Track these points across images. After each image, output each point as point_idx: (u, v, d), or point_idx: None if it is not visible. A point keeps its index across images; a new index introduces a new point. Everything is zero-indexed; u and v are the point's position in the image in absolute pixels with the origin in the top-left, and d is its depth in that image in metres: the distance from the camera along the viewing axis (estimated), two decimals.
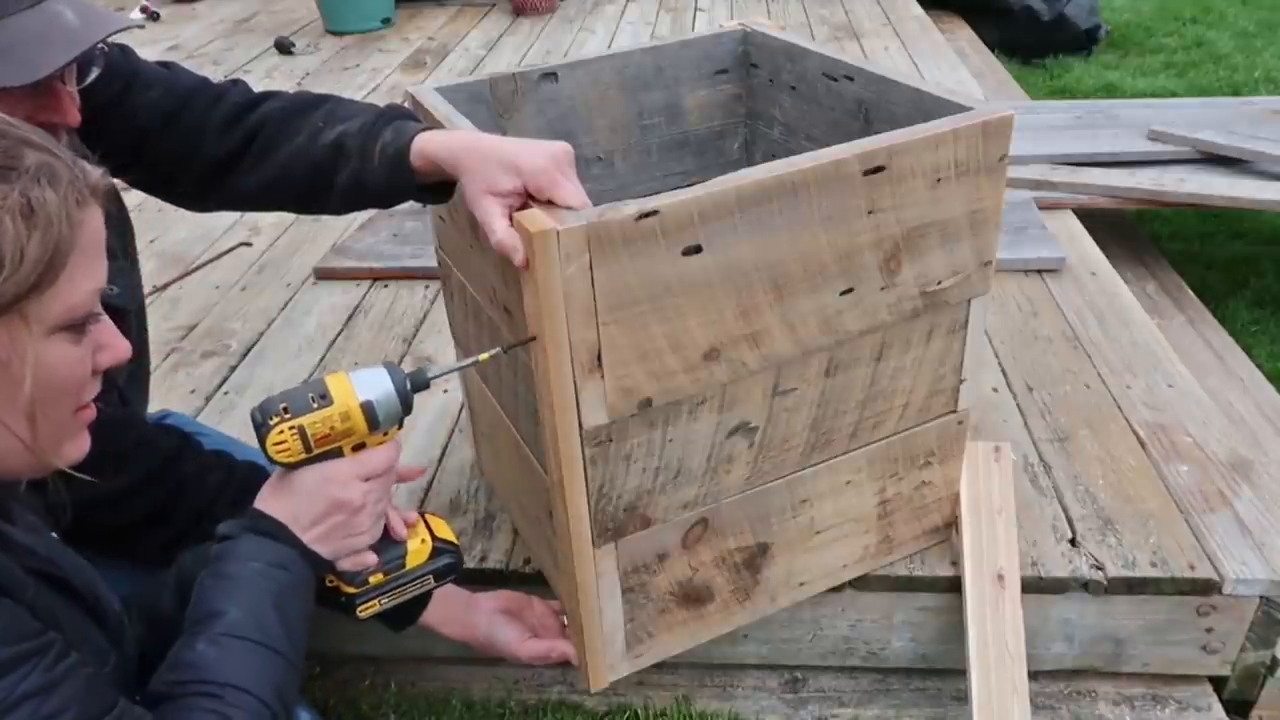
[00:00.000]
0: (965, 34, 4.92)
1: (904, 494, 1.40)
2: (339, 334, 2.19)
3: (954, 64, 3.86)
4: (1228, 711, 1.51)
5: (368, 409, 0.95)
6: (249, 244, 2.62)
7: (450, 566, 1.11)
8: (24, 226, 0.69)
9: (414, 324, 2.21)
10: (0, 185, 0.69)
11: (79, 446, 0.82)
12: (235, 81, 1.24)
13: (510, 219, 0.98)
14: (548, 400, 1.04)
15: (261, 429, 0.93)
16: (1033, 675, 1.43)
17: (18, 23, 0.95)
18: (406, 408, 0.98)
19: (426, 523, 1.11)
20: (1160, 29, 5.62)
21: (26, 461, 0.78)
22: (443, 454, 1.78)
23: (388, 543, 1.05)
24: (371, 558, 1.03)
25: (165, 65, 1.23)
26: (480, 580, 1.46)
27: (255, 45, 4.65)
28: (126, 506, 1.13)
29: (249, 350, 2.14)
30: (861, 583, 1.47)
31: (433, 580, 1.10)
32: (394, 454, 1.01)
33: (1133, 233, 3.10)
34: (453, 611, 1.28)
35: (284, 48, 4.48)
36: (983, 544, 1.43)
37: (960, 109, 1.15)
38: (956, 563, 1.46)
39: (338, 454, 0.97)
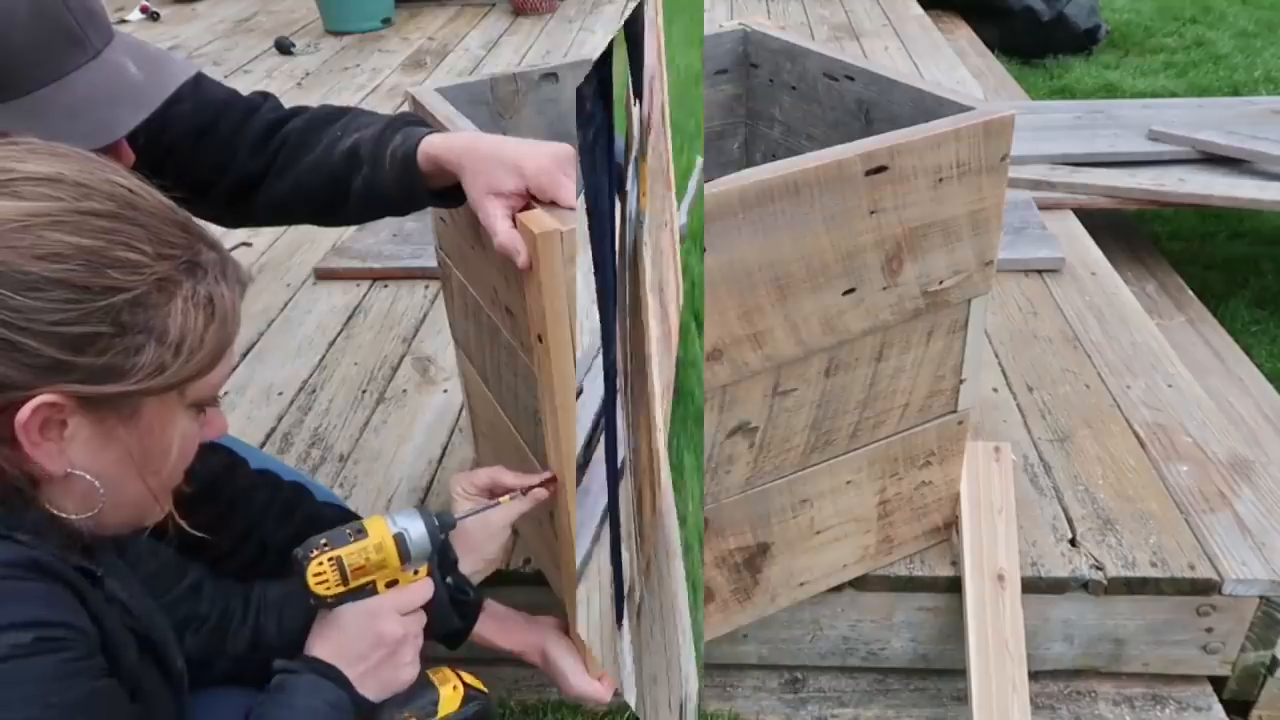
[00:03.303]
0: (965, 34, 4.91)
1: (904, 494, 1.40)
2: (339, 334, 2.19)
3: (954, 64, 3.86)
4: (1228, 711, 1.51)
5: (399, 540, 1.02)
6: (249, 244, 2.62)
7: (481, 714, 1.12)
8: (204, 320, 0.77)
9: (414, 324, 2.21)
10: (189, 280, 0.76)
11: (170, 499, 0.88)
12: (265, 95, 1.21)
13: (513, 220, 0.98)
14: (550, 401, 1.04)
15: (302, 562, 1.00)
16: (1033, 675, 1.43)
17: (82, 79, 0.92)
18: (434, 542, 1.05)
19: (456, 672, 1.12)
20: (1160, 29, 5.62)
21: (148, 517, 0.84)
22: (443, 454, 1.78)
23: (420, 688, 1.08)
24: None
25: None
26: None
27: (255, 45, 4.64)
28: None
29: (249, 350, 2.14)
30: (861, 583, 1.47)
31: None
32: (429, 589, 1.05)
33: (1133, 233, 3.10)
34: (511, 626, 1.26)
35: (284, 48, 4.48)
36: (983, 544, 1.43)
37: (961, 109, 1.15)
38: (956, 563, 1.46)
39: (372, 590, 1.02)
